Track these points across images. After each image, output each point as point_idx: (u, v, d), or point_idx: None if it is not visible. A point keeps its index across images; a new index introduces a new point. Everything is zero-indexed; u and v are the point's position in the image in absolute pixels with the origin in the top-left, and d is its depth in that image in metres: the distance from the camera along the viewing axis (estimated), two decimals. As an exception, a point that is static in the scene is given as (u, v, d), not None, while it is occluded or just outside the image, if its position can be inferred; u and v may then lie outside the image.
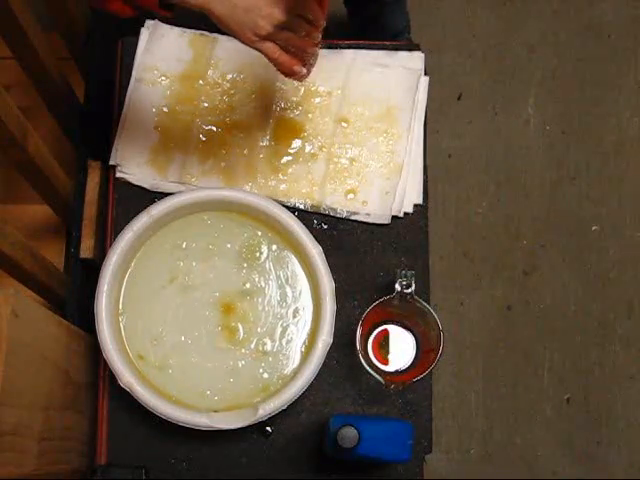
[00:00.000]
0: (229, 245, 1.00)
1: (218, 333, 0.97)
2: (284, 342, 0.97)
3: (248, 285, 0.99)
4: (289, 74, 0.84)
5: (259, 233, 1.00)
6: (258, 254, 1.00)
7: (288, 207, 1.02)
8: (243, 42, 0.81)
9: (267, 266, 1.00)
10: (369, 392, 1.01)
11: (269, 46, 0.81)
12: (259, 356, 0.97)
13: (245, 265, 1.00)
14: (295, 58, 0.83)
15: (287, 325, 0.98)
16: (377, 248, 1.06)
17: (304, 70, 0.84)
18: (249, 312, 0.98)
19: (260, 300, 0.99)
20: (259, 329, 0.98)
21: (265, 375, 0.96)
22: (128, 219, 0.97)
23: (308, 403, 1.00)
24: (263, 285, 0.99)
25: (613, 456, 1.65)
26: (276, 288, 0.99)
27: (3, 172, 1.29)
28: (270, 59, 0.82)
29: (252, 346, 0.97)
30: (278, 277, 0.99)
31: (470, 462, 1.64)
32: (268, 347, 0.97)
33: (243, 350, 0.97)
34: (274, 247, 1.00)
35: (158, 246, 1.00)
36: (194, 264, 1.00)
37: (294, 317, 0.98)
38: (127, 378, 0.91)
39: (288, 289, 0.99)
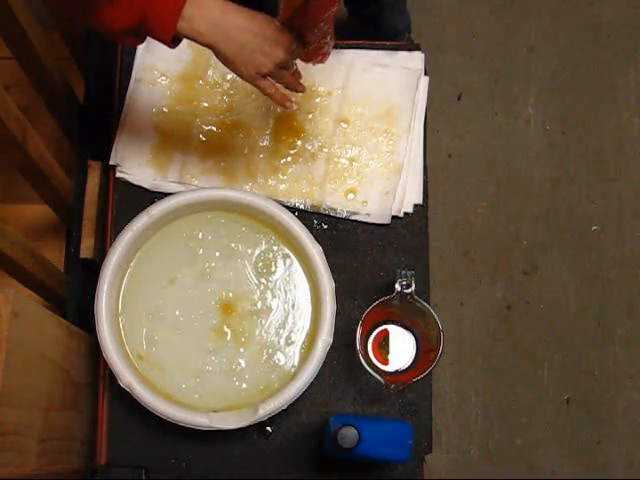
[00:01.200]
0: (249, 251, 1.00)
1: (216, 333, 0.97)
2: (266, 367, 0.97)
3: (259, 305, 0.99)
4: (281, 106, 0.92)
5: (275, 248, 1.00)
6: (274, 269, 1.00)
7: (288, 207, 1.02)
8: (244, 78, 0.87)
9: (280, 285, 0.99)
10: (369, 392, 1.01)
11: (267, 84, 0.88)
12: (259, 357, 0.97)
13: (263, 281, 0.99)
14: (286, 95, 0.91)
15: (275, 351, 0.98)
16: (377, 248, 1.06)
17: (295, 106, 0.93)
18: (247, 329, 0.98)
19: (262, 322, 0.98)
20: (241, 349, 0.97)
21: (244, 385, 0.96)
22: (128, 219, 0.97)
23: (308, 403, 1.00)
24: (273, 307, 0.99)
25: (613, 456, 1.65)
26: (282, 312, 0.99)
27: (3, 172, 1.29)
28: (266, 94, 0.89)
29: (251, 347, 0.97)
30: (286, 301, 0.99)
31: (470, 462, 1.64)
32: (242, 365, 0.97)
33: (242, 351, 0.97)
34: (287, 262, 1.00)
35: (159, 245, 1.00)
36: (217, 254, 1.00)
37: (285, 344, 0.98)
38: (127, 378, 0.91)
39: (291, 316, 0.99)
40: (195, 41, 0.82)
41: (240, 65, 0.84)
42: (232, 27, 0.81)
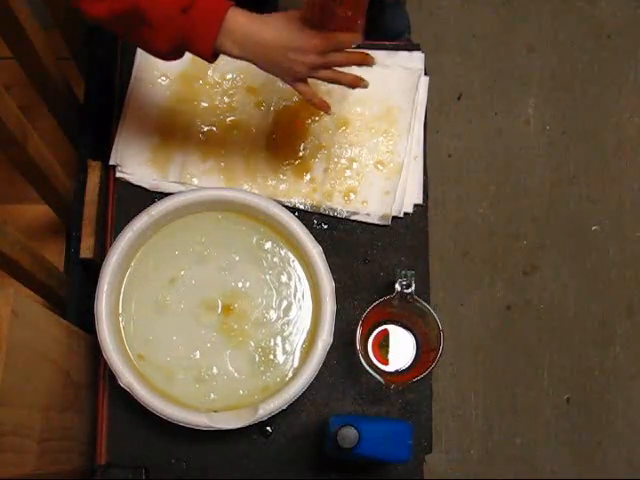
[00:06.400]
0: (249, 250, 1.00)
1: (216, 333, 0.97)
2: (267, 367, 0.97)
3: (260, 305, 0.99)
4: (321, 110, 0.94)
5: (275, 248, 1.00)
6: (274, 268, 1.00)
7: (288, 207, 1.02)
8: (285, 83, 0.91)
9: (279, 285, 1.00)
10: (369, 392, 1.01)
11: (305, 89, 0.91)
12: (259, 357, 0.97)
13: (264, 280, 0.99)
14: (325, 101, 0.92)
15: (276, 351, 0.98)
16: (377, 248, 1.06)
17: (333, 110, 0.94)
18: (247, 329, 0.98)
19: (263, 322, 0.98)
20: (241, 349, 0.97)
21: (244, 385, 0.96)
22: (128, 219, 0.97)
23: (308, 403, 1.00)
24: (273, 307, 0.99)
25: (613, 456, 1.65)
26: (282, 312, 0.99)
27: (3, 172, 1.28)
28: (306, 99, 0.92)
29: (251, 347, 0.97)
30: (286, 301, 0.99)
31: (470, 462, 1.64)
32: (242, 365, 0.97)
33: (242, 351, 0.97)
34: (287, 262, 1.00)
35: (159, 245, 1.00)
36: (217, 254, 1.00)
37: (285, 344, 0.97)
38: (127, 378, 0.91)
39: (291, 316, 0.99)
40: (233, 56, 0.86)
41: (278, 74, 0.89)
42: (261, 42, 0.85)
